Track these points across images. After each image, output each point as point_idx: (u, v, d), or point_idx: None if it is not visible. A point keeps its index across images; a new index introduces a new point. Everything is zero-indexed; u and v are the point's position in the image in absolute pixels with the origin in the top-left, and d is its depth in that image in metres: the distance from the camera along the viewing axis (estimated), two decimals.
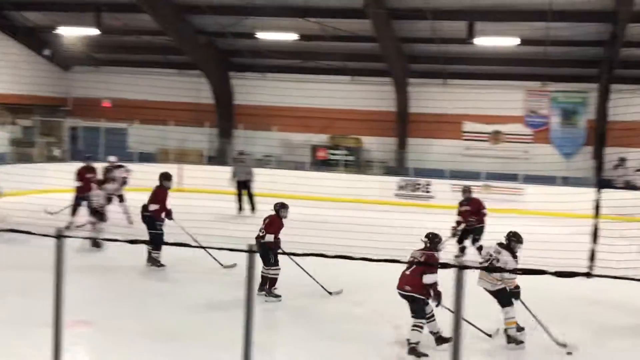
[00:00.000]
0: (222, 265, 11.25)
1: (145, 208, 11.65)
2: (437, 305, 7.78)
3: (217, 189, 20.08)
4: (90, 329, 8.08)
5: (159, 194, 11.92)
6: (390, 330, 8.34)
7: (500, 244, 7.73)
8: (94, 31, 23.62)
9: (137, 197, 13.79)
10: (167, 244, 5.59)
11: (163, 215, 11.52)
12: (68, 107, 28.09)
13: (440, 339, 7.82)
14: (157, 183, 12.13)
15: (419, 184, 23.89)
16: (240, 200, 19.65)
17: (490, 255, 7.55)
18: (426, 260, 7.96)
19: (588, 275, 5.27)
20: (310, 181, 21.22)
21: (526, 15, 20.84)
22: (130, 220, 15.32)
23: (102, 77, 27.58)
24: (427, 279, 7.73)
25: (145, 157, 23.98)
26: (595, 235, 5.43)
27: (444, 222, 12.99)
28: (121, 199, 15.90)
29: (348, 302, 9.62)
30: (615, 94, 22.00)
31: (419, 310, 7.86)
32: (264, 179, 19.47)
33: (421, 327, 7.86)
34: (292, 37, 23.49)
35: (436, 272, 7.68)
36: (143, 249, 10.92)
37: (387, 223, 11.84)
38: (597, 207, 5.57)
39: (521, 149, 25.23)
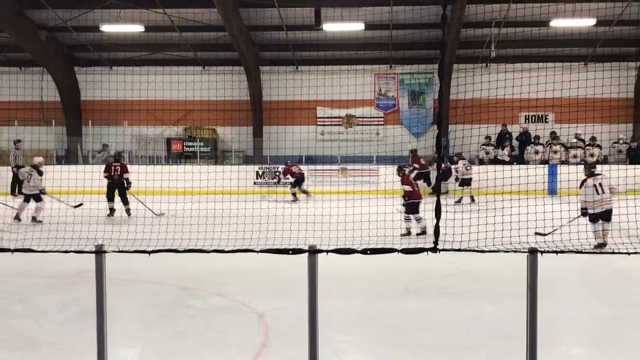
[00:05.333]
0: (154, 213, 15.82)
1: None
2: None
3: (69, 189, 19.27)
4: None
5: None
6: (255, 319, 8.36)
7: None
8: None
9: None
10: (9, 250, 5.35)
11: None
12: None
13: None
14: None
15: (277, 172, 24.07)
16: (14, 186, 22.50)
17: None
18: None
19: (434, 250, 5.50)
20: (167, 175, 20.85)
21: (369, 0, 21.39)
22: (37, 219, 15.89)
23: None
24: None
25: None
26: (438, 211, 5.69)
27: (302, 208, 13.18)
28: None
29: (212, 295, 9.55)
30: (458, 73, 23.13)
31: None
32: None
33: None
34: (138, 28, 22.94)
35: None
36: None
37: (246, 213, 11.83)
38: (438, 184, 5.84)
39: (373, 131, 25.97)
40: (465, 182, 20.71)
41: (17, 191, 22.40)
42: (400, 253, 5.28)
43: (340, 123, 26.32)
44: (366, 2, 21.58)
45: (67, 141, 26.07)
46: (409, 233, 13.49)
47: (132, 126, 25.79)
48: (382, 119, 26.24)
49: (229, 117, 25.86)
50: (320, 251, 4.90)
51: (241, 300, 9.07)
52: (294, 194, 21.53)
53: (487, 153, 24.32)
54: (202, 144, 25.83)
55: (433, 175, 21.76)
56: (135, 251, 5.55)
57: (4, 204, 16.59)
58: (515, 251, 5.63)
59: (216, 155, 26.01)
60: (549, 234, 11.30)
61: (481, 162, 23.88)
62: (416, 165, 21.88)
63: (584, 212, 12.22)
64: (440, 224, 5.70)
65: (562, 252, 5.87)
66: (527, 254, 5.13)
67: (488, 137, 24.24)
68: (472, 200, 20.28)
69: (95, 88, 25.86)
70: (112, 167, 17.74)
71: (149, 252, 5.37)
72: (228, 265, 10.23)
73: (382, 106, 26.25)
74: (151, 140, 25.96)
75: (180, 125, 26.37)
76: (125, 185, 17.54)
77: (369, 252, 5.06)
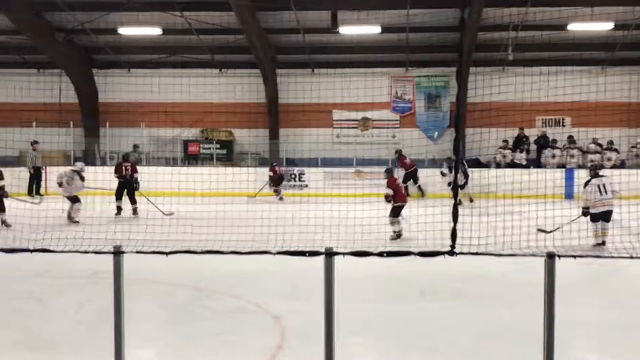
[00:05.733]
0: (164, 213, 15.92)
1: None
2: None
3: (87, 190, 19.44)
4: None
5: None
6: (270, 320, 8.38)
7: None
8: None
9: None
10: (25, 250, 5.41)
11: None
12: None
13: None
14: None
15: (292, 174, 24.10)
16: (31, 186, 22.64)
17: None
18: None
19: (450, 253, 5.49)
20: (184, 177, 20.96)
21: (385, 3, 21.42)
22: (75, 219, 16.30)
23: None
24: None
25: (7, 162, 22.88)
26: (455, 215, 5.68)
27: (318, 211, 13.17)
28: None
29: (227, 296, 9.58)
30: (475, 76, 23.07)
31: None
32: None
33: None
34: (155, 31, 23.06)
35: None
36: (10, 257, 10.39)
37: (262, 215, 11.85)
38: (455, 187, 5.84)
39: (389, 134, 25.93)
40: (459, 187, 20.73)
41: (34, 192, 22.55)
42: (416, 256, 5.28)
43: (356, 126, 26.30)
44: (383, 5, 21.57)
45: (84, 143, 26.25)
46: (398, 236, 13.57)
47: (149, 128, 25.94)
48: (398, 122, 26.20)
49: (246, 120, 25.92)
50: (337, 253, 4.91)
51: (256, 302, 9.08)
52: (276, 191, 22.58)
53: (504, 156, 24.21)
54: (218, 146, 25.90)
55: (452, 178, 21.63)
56: (153, 252, 5.58)
57: (26, 201, 16.83)
58: (533, 255, 5.61)
59: (232, 157, 26.07)
60: (551, 231, 11.68)
61: (498, 165, 23.77)
62: (407, 162, 22.64)
63: (585, 212, 12.77)
64: (457, 227, 5.69)
65: (580, 256, 5.84)
66: (544, 258, 5.10)
67: (505, 141, 24.15)
68: (471, 200, 20.20)
69: (113, 90, 26.07)
70: (123, 167, 18.20)
71: (167, 254, 5.40)
72: (243, 266, 10.24)
73: (398, 109, 26.22)
74: (168, 142, 26.08)
75: (197, 127, 26.46)
76: (135, 185, 18.06)
77: (385, 254, 5.06)
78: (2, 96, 24.76)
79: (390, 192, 13.84)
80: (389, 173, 14.48)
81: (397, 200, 13.81)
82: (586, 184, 13.04)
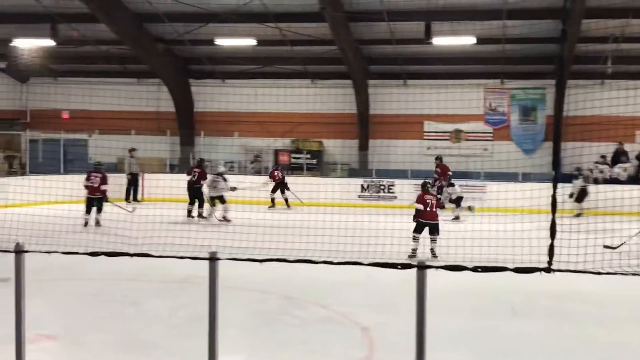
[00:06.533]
0: (217, 219, 16.86)
1: None
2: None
3: (180, 197, 19.95)
4: (55, 343, 7.90)
5: None
6: (358, 332, 8.34)
7: None
8: (50, 42, 23.34)
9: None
10: (129, 254, 5.57)
11: None
12: (26, 119, 27.68)
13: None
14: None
15: (382, 185, 23.98)
16: (129, 192, 23.18)
17: None
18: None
19: (547, 270, 5.32)
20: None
21: (481, 14, 21.08)
22: (227, 218, 17.77)
23: (60, 89, 27.16)
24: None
25: (106, 168, 23.73)
26: (553, 231, 5.50)
27: (408, 223, 13.08)
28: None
29: (315, 306, 9.61)
30: (572, 90, 22.39)
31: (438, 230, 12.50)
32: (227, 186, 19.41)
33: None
34: (250, 42, 23.45)
35: None
36: (109, 260, 10.72)
37: (351, 225, 11.83)
38: (554, 203, 5.66)
39: (482, 146, 25.46)
40: (457, 202, 20.25)
41: (131, 197, 23.24)
42: (511, 272, 5.13)
43: (447, 138, 25.96)
44: (478, 17, 21.24)
45: (180, 151, 26.91)
46: (413, 255, 12.28)
47: (242, 137, 26.40)
48: (491, 135, 25.71)
49: (337, 130, 25.98)
50: (429, 267, 4.82)
51: (344, 312, 9.06)
52: (272, 200, 22.19)
53: (601, 172, 23.39)
54: (308, 155, 26.07)
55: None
56: (247, 259, 5.64)
57: (121, 208, 17.47)
58: (634, 274, 5.38)
59: (322, 167, 26.19)
60: (618, 247, 11.59)
61: (596, 181, 22.97)
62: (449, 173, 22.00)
63: None
64: (555, 244, 5.52)
65: None
66: None
67: (603, 156, 23.34)
68: (470, 209, 19.92)
69: (209, 100, 26.61)
70: (192, 171, 18.91)
71: (260, 261, 5.44)
72: (332, 277, 10.24)
73: (491, 121, 25.72)
74: (259, 151, 26.45)
75: (288, 137, 26.73)
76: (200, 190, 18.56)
77: (479, 269, 4.94)
78: (104, 104, 25.62)
79: (420, 207, 12.96)
80: (424, 187, 13.66)
81: (422, 217, 12.93)
82: None
